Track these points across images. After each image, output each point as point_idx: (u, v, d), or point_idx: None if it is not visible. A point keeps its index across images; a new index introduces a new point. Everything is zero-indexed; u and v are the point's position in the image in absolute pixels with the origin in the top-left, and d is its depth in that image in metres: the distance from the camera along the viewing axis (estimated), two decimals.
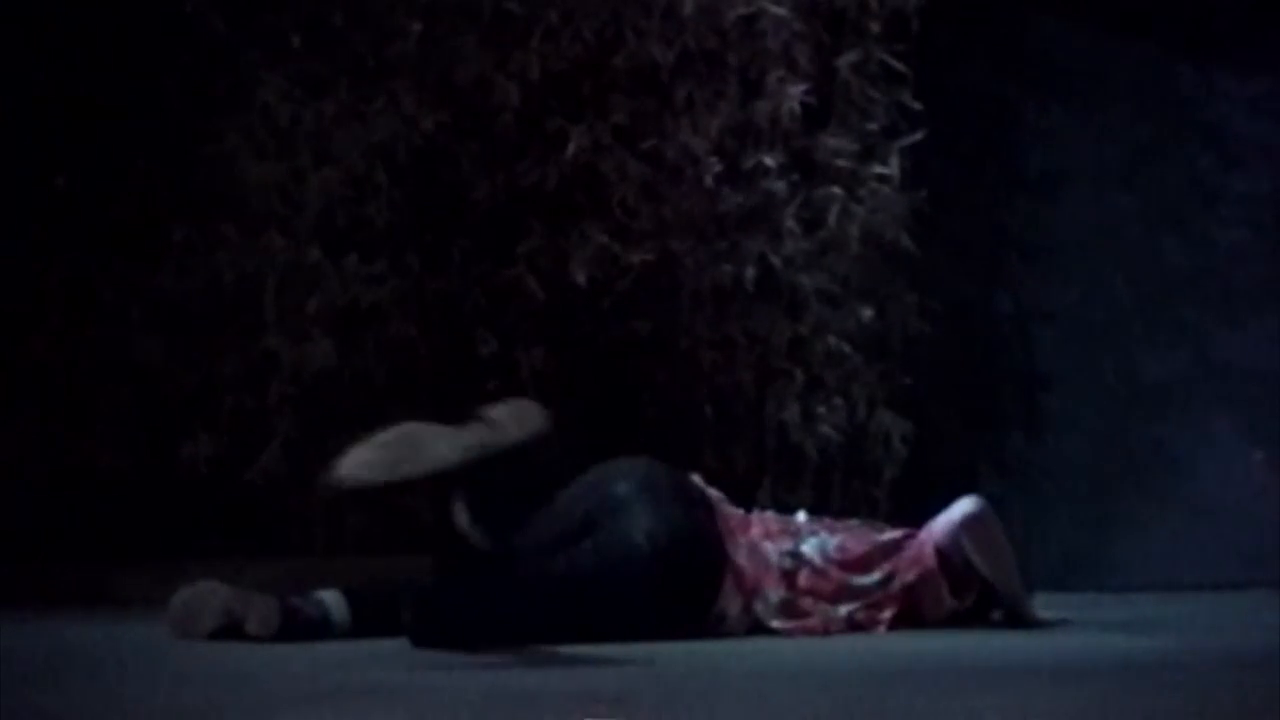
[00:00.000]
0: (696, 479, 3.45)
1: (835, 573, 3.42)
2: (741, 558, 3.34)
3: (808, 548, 3.43)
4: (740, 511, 3.44)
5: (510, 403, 2.77)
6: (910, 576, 3.45)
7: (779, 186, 4.69)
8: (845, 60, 4.77)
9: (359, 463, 2.70)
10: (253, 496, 4.52)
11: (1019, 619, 3.49)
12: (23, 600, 4.04)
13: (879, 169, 4.75)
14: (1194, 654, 2.98)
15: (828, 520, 3.57)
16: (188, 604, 3.21)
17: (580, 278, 4.59)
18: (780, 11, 4.67)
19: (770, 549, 3.38)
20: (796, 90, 4.66)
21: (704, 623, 3.29)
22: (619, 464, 3.36)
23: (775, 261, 4.67)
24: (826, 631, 3.35)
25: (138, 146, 4.67)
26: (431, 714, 2.16)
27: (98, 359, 4.67)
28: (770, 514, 3.50)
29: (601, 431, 3.88)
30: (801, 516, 3.52)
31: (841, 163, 4.74)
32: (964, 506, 3.49)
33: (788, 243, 4.68)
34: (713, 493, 3.44)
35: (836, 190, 4.73)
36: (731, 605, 3.32)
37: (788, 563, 3.39)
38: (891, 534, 3.52)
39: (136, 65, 4.67)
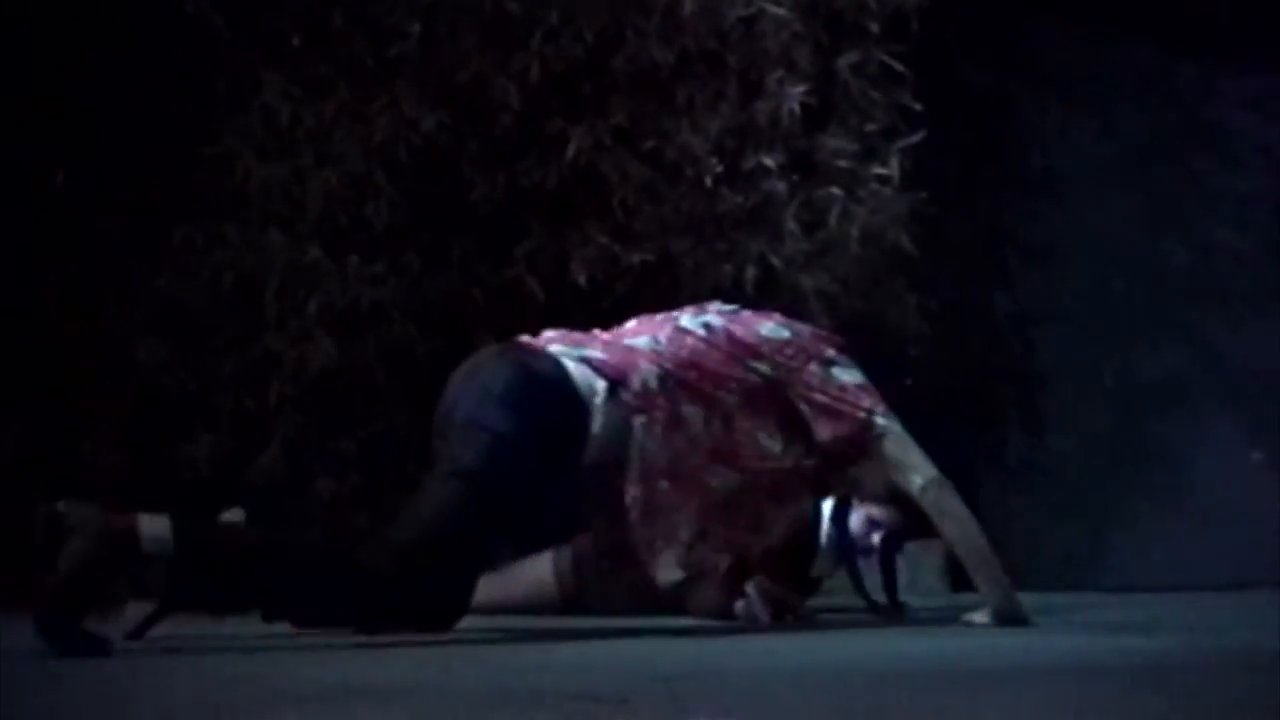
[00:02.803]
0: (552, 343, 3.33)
1: (727, 347, 3.37)
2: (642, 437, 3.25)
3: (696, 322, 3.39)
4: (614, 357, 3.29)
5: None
6: (826, 433, 3.43)
7: (779, 187, 4.69)
8: (845, 61, 4.78)
9: None
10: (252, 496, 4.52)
11: (1008, 614, 3.43)
12: (23, 600, 4.03)
13: (879, 169, 4.75)
14: (1194, 654, 2.98)
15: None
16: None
17: (580, 278, 4.59)
18: (780, 12, 4.67)
19: (647, 369, 3.28)
20: (796, 91, 4.66)
21: (616, 514, 3.25)
22: (461, 381, 3.26)
23: (775, 262, 4.67)
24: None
25: (138, 146, 4.67)
26: (431, 714, 2.15)
27: (98, 359, 4.67)
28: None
29: None
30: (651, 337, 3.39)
31: (841, 163, 4.75)
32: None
33: (788, 243, 4.68)
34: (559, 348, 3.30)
35: (836, 191, 4.73)
36: (634, 486, 3.25)
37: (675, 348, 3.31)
38: (780, 333, 3.46)
39: (136, 65, 4.67)
